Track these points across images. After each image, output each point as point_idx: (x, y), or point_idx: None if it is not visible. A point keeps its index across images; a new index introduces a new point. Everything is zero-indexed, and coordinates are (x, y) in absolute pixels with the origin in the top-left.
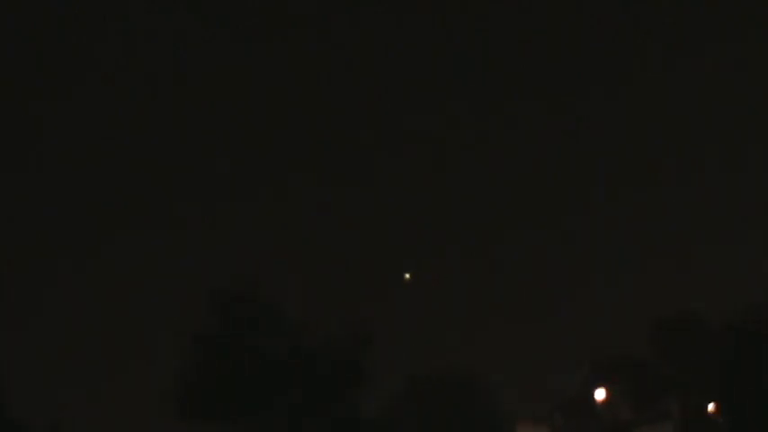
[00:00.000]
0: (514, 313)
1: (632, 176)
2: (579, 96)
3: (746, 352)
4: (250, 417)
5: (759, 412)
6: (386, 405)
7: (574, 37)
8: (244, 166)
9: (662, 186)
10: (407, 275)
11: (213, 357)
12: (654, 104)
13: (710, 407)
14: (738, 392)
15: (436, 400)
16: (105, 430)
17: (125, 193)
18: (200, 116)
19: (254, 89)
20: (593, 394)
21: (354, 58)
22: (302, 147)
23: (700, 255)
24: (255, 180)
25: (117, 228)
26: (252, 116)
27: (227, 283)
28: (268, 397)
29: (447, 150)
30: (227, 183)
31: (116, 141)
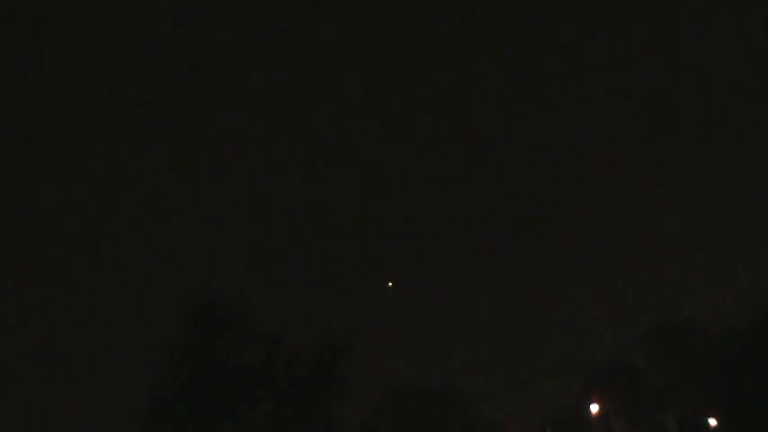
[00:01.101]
0: (502, 323)
1: (627, 180)
2: (577, 103)
3: (748, 360)
4: (223, 429)
5: (762, 424)
6: (367, 418)
7: (572, 42)
8: (223, 175)
9: (657, 191)
10: (390, 283)
11: (184, 368)
12: (654, 111)
13: (713, 422)
14: (739, 403)
15: (418, 414)
16: None
17: (98, 204)
18: (181, 123)
19: (241, 95)
20: (586, 407)
21: (346, 64)
22: (286, 155)
23: (697, 260)
24: (235, 189)
25: (90, 239)
26: (235, 124)
27: (198, 291)
28: (241, 408)
29: (438, 158)
30: (206, 191)
31: (89, 153)
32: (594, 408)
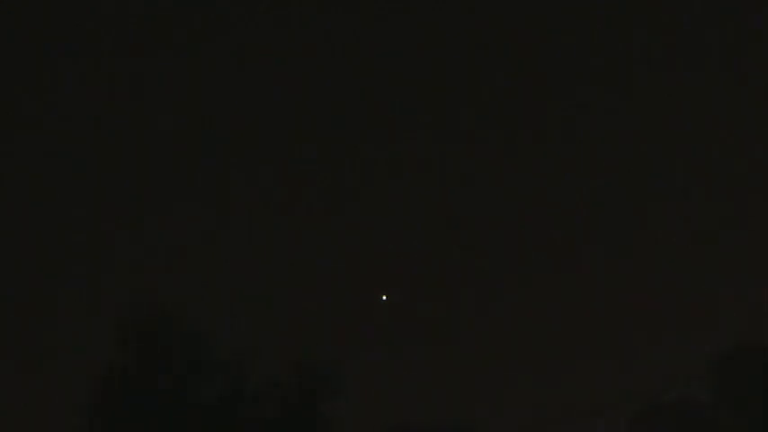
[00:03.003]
0: (529, 348)
1: (676, 186)
2: (593, 100)
3: None
4: None
5: None
6: None
7: (569, 73)
8: (196, 180)
9: (720, 199)
10: (384, 297)
11: (123, 404)
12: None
13: None
14: None
15: None
16: None
17: (44, 215)
18: (140, 131)
19: (215, 113)
20: None
21: (334, 81)
22: (265, 161)
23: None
24: (200, 199)
25: (34, 254)
26: (206, 133)
27: (140, 310)
28: None
29: (441, 156)
30: (174, 200)
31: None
32: None
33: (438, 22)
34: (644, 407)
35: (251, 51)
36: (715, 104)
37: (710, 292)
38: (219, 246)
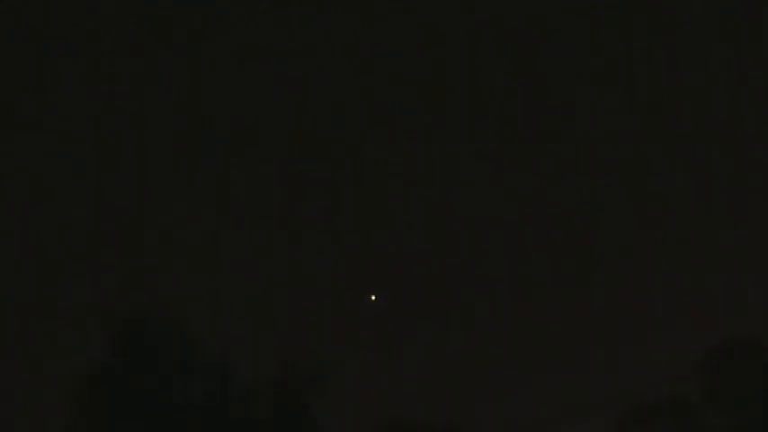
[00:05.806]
0: (517, 348)
1: (662, 180)
2: (595, 99)
3: None
4: None
5: None
6: None
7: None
8: (196, 180)
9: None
10: (373, 297)
11: (107, 404)
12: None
13: None
14: None
15: None
16: None
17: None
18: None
19: (207, 120)
20: None
21: (334, 81)
22: (265, 161)
23: (760, 267)
24: (186, 193)
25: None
26: (206, 133)
27: (125, 309)
28: None
29: (448, 163)
30: (173, 200)
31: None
32: None
33: (438, 22)
34: (633, 408)
35: (251, 51)
36: (715, 104)
37: (708, 292)
38: (219, 246)
